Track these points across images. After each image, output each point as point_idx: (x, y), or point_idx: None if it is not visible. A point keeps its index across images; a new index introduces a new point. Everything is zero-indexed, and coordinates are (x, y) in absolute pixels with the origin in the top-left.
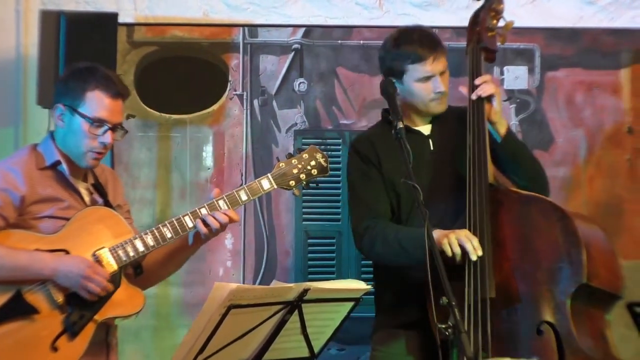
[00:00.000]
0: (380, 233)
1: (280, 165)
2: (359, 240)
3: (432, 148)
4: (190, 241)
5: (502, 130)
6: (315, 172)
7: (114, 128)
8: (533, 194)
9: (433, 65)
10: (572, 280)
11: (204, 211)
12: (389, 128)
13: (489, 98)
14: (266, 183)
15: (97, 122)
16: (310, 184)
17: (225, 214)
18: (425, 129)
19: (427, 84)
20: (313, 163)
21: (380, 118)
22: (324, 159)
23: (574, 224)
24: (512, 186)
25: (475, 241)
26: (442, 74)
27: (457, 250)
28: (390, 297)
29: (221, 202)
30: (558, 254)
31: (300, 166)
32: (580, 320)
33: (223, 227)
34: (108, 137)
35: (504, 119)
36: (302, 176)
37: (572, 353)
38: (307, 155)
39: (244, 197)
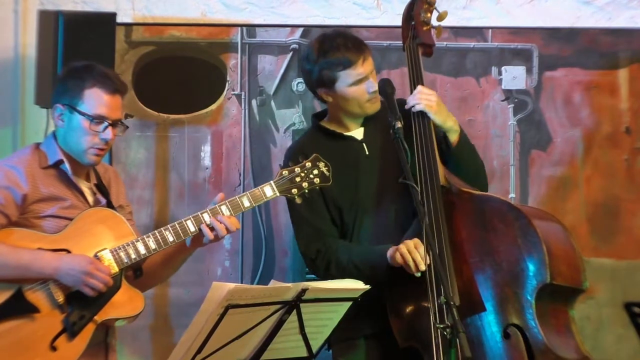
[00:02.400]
0: (333, 256)
1: (283, 173)
2: (311, 264)
3: (367, 153)
4: (187, 243)
5: (454, 137)
6: (318, 181)
7: (114, 124)
8: (486, 193)
9: (364, 67)
10: (536, 280)
11: (206, 216)
12: (321, 136)
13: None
14: (269, 190)
15: (97, 119)
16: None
17: (230, 220)
18: (358, 132)
19: (361, 86)
20: (316, 172)
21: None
22: (326, 168)
23: (533, 223)
24: (463, 186)
25: (420, 251)
26: (372, 72)
27: (412, 263)
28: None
29: (224, 208)
30: (519, 254)
31: (303, 175)
32: (546, 319)
33: (228, 233)
34: (109, 133)
35: (454, 126)
36: (305, 184)
37: (542, 354)
38: (310, 164)
39: (246, 204)
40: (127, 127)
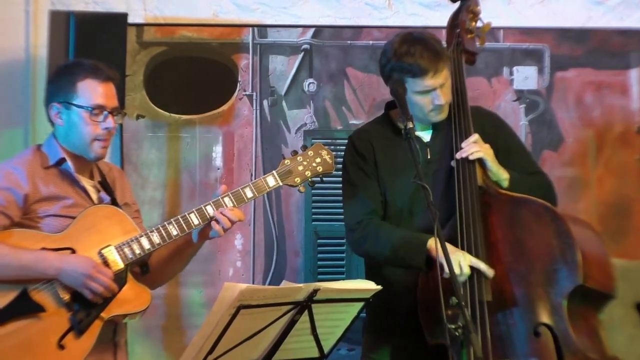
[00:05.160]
0: (372, 231)
1: (286, 162)
2: (350, 234)
3: (429, 156)
4: (195, 238)
5: (505, 185)
6: (321, 169)
7: (112, 112)
8: (523, 195)
9: (433, 80)
10: (568, 281)
11: (209, 209)
12: (389, 128)
13: (479, 161)
14: (271, 180)
15: (96, 109)
16: (316, 181)
17: (233, 212)
18: (426, 134)
19: (426, 96)
20: (318, 160)
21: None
22: (329, 156)
23: (568, 225)
24: (500, 188)
25: (478, 263)
26: (442, 86)
27: (463, 270)
28: (378, 302)
29: (227, 199)
30: (552, 255)
31: (305, 163)
32: (576, 321)
33: (232, 225)
34: (110, 122)
35: (502, 173)
36: (308, 173)
37: (571, 354)
38: (312, 152)
39: (249, 194)
40: (125, 113)
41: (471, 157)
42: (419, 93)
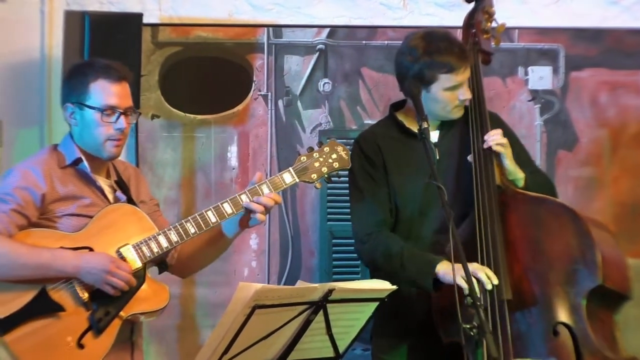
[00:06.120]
0: (382, 244)
1: (302, 158)
2: (360, 245)
3: (437, 157)
4: (230, 234)
5: (521, 184)
6: (337, 165)
7: (125, 112)
8: (542, 195)
9: (462, 75)
10: (588, 281)
11: (226, 206)
12: (396, 130)
13: (497, 159)
14: (288, 177)
15: (108, 110)
16: (332, 177)
17: (269, 196)
18: (433, 135)
19: (455, 92)
20: (334, 156)
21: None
22: (344, 152)
23: (587, 225)
24: (518, 188)
25: (488, 271)
26: (467, 81)
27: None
28: (390, 303)
29: (243, 197)
30: (572, 255)
31: (321, 159)
32: (594, 321)
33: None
34: (122, 123)
35: (518, 172)
36: (324, 169)
37: (590, 354)
38: (327, 148)
39: (266, 191)
40: (139, 113)
41: (493, 145)
42: (449, 89)
